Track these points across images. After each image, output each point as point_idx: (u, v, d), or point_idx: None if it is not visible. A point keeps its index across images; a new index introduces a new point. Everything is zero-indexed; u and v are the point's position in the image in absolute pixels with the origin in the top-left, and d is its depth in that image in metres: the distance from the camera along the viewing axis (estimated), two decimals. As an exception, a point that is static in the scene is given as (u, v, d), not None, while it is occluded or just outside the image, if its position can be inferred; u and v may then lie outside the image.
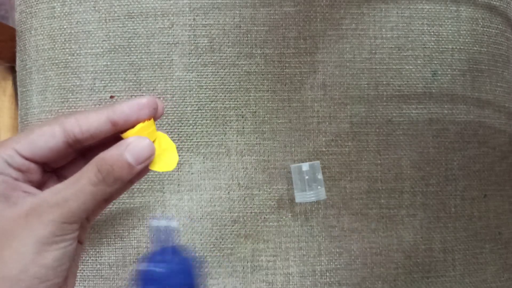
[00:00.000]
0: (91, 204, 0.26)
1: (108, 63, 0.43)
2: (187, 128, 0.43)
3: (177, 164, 0.29)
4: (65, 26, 0.43)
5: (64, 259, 0.26)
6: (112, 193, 0.26)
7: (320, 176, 0.41)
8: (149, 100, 0.27)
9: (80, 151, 0.29)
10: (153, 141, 0.28)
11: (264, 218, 0.43)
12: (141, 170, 0.27)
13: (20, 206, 0.25)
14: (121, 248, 0.42)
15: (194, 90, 0.43)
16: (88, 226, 0.30)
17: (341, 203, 0.43)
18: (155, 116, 0.28)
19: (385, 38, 0.44)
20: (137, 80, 0.43)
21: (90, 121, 0.27)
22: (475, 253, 0.44)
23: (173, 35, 0.43)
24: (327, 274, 0.43)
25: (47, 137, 0.26)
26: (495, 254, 0.45)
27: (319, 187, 0.40)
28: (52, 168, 0.29)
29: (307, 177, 0.40)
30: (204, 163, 0.43)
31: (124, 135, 0.27)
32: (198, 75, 0.43)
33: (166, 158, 0.29)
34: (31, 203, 0.25)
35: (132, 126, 0.27)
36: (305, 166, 0.40)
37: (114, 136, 0.28)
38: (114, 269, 0.42)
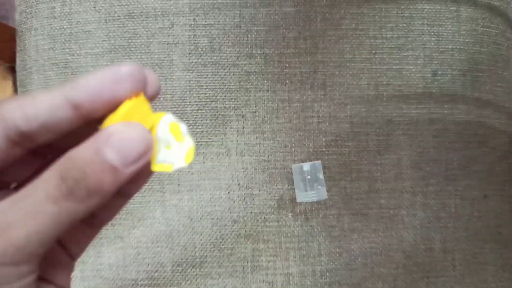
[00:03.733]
0: (52, 231, 0.16)
1: (108, 63, 0.43)
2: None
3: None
4: (65, 26, 0.43)
5: None
6: (86, 213, 0.17)
7: (321, 176, 0.41)
8: (131, 69, 0.18)
9: (46, 156, 0.20)
10: (150, 129, 0.19)
11: (264, 218, 0.43)
12: (135, 174, 0.17)
13: None
14: (121, 248, 0.42)
15: (194, 90, 0.43)
16: (72, 264, 0.21)
17: (341, 203, 0.43)
18: (145, 92, 0.19)
19: (385, 38, 0.44)
20: (137, 80, 0.42)
21: (38, 104, 0.17)
22: (475, 253, 0.44)
23: (173, 35, 0.43)
24: (327, 274, 0.43)
25: None
26: (495, 254, 0.45)
27: (320, 187, 0.40)
28: (7, 184, 0.20)
29: (308, 177, 0.40)
30: (204, 163, 0.43)
31: (103, 124, 0.18)
32: (198, 75, 0.43)
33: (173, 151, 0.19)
34: None
35: (113, 109, 0.18)
36: (306, 166, 0.40)
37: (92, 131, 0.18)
38: (114, 269, 0.42)
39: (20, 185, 0.20)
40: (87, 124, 0.18)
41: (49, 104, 0.17)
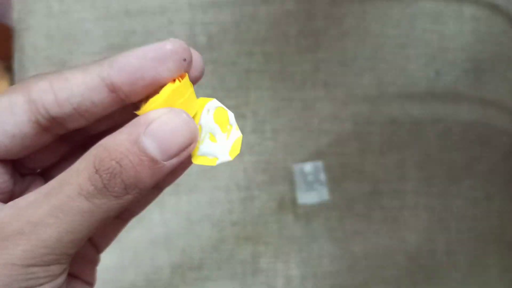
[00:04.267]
0: (84, 230, 0.15)
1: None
2: (186, 128, 0.43)
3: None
4: (62, 25, 0.43)
5: None
6: (121, 210, 0.16)
7: (323, 177, 0.41)
8: (176, 46, 0.15)
9: (75, 141, 0.19)
10: (193, 116, 0.17)
11: (265, 219, 0.43)
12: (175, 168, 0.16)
13: None
14: (119, 250, 0.42)
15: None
16: (97, 257, 0.20)
17: (343, 204, 0.43)
18: (189, 73, 0.17)
19: (387, 36, 0.44)
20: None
21: (71, 85, 0.15)
22: (478, 254, 0.44)
23: (172, 33, 0.43)
24: (329, 276, 0.43)
25: (3, 115, 0.15)
26: (498, 255, 0.45)
27: (321, 187, 0.41)
28: (33, 169, 0.19)
29: (310, 178, 0.40)
30: (203, 163, 0.43)
31: (142, 109, 0.16)
32: (197, 74, 0.43)
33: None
34: None
35: (153, 92, 0.16)
36: (308, 167, 0.41)
37: (129, 116, 0.16)
38: (112, 271, 0.42)
39: (46, 171, 0.19)
40: (123, 108, 0.17)
41: (84, 87, 0.15)
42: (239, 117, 0.43)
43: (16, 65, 0.45)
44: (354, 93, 0.43)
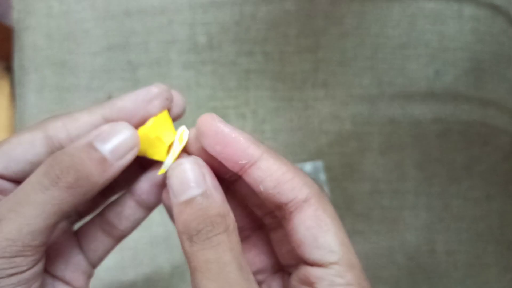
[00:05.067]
0: (42, 222, 0.17)
1: (106, 62, 0.43)
2: (186, 128, 0.43)
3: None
4: (62, 25, 0.43)
5: None
6: (74, 204, 0.18)
7: (322, 177, 0.41)
8: (161, 89, 0.20)
9: None
10: (169, 145, 0.21)
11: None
12: (151, 186, 0.20)
13: None
14: (119, 250, 0.42)
15: (192, 88, 0.43)
16: (91, 270, 0.22)
17: (343, 204, 0.43)
18: (172, 109, 0.21)
19: (387, 36, 0.44)
20: (135, 79, 0.42)
21: (80, 124, 0.19)
22: (477, 254, 0.44)
23: (172, 33, 0.43)
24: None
25: (25, 146, 0.19)
26: (498, 255, 0.45)
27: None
28: None
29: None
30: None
31: None
32: (197, 73, 0.43)
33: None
34: None
35: (140, 124, 0.20)
36: (307, 166, 0.41)
37: None
38: (112, 271, 0.42)
39: None
40: None
41: (90, 124, 0.19)
42: (239, 117, 0.43)
43: (16, 65, 0.45)
44: (354, 93, 0.43)
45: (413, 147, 0.44)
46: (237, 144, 0.18)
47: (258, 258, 0.22)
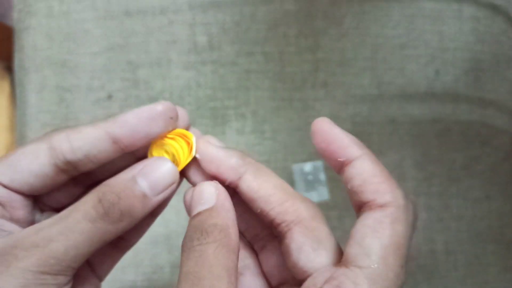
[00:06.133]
0: (86, 248, 0.19)
1: (106, 62, 0.43)
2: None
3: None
4: (63, 25, 0.43)
5: None
6: (116, 235, 0.19)
7: (322, 177, 0.41)
8: (165, 107, 0.20)
9: (87, 183, 0.23)
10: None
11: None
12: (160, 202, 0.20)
13: None
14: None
15: (193, 89, 0.43)
16: (98, 284, 0.24)
17: (343, 204, 0.43)
18: (177, 127, 0.22)
19: (387, 36, 0.44)
20: (135, 79, 0.42)
21: (83, 136, 0.20)
22: (477, 254, 0.44)
23: (172, 33, 0.43)
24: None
25: (30, 157, 0.20)
26: (498, 255, 0.45)
27: (321, 187, 0.40)
28: (51, 207, 0.22)
29: (310, 178, 0.40)
30: (203, 163, 0.42)
31: (149, 153, 0.21)
32: (197, 74, 0.43)
33: None
34: (0, 245, 0.18)
35: (145, 145, 0.21)
36: (307, 166, 0.40)
37: (128, 163, 0.21)
38: (113, 271, 0.42)
39: (61, 209, 0.21)
40: (124, 156, 0.21)
41: (92, 138, 0.20)
42: (239, 117, 0.43)
43: (16, 65, 0.45)
44: (354, 93, 0.43)
45: (413, 147, 0.44)
46: (340, 142, 0.20)
47: (276, 269, 0.22)
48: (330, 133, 0.20)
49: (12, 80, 0.53)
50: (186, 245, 0.18)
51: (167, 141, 0.21)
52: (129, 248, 0.25)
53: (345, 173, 0.20)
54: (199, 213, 0.19)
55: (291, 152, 0.43)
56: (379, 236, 0.18)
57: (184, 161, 0.21)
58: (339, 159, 0.20)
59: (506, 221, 0.45)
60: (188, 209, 0.20)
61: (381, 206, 0.18)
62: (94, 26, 0.43)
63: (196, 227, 0.19)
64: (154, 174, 0.20)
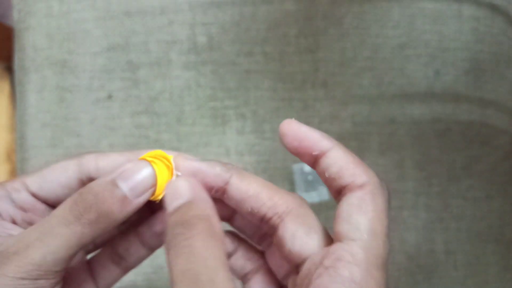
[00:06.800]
0: (64, 252, 0.19)
1: (106, 62, 0.43)
2: (185, 128, 0.43)
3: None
4: (63, 25, 0.43)
5: None
6: (94, 237, 0.20)
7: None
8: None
9: None
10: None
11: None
12: (140, 208, 0.21)
13: None
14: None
15: (193, 89, 0.43)
16: None
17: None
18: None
19: (387, 36, 0.44)
20: (135, 79, 0.42)
21: (109, 160, 0.22)
22: (477, 254, 0.44)
23: (172, 33, 0.43)
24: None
25: (59, 170, 0.22)
26: (498, 255, 0.45)
27: (321, 187, 0.40)
28: None
29: (310, 178, 0.40)
30: (203, 163, 0.42)
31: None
32: (197, 74, 0.43)
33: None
34: None
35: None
36: (307, 166, 0.40)
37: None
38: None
39: None
40: None
41: (116, 162, 0.22)
42: (239, 117, 0.43)
43: (16, 65, 0.45)
44: (354, 93, 0.43)
45: (413, 147, 0.44)
46: (311, 138, 0.21)
47: (281, 262, 0.23)
48: (299, 131, 0.21)
49: (12, 80, 0.53)
50: (171, 243, 0.18)
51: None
52: (131, 269, 0.25)
53: (321, 164, 0.21)
54: (177, 208, 0.19)
55: (291, 152, 0.43)
56: (364, 212, 0.20)
57: (164, 182, 0.22)
58: (313, 153, 0.21)
59: (506, 221, 0.45)
60: (166, 205, 0.20)
61: (360, 186, 0.20)
62: (94, 26, 0.43)
63: (177, 222, 0.19)
64: (134, 176, 0.20)
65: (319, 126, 0.43)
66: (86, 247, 0.24)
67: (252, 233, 0.24)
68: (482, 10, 0.45)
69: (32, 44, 0.44)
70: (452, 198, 0.44)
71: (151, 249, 0.25)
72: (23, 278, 0.18)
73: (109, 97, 0.43)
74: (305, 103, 0.43)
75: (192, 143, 0.42)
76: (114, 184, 0.20)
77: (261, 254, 0.24)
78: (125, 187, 0.20)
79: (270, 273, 0.23)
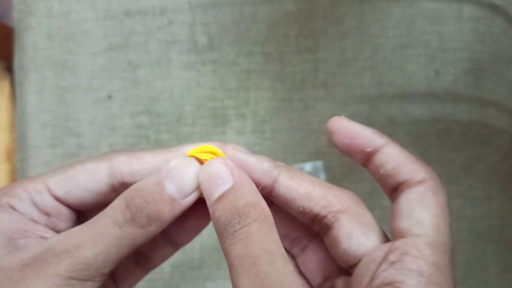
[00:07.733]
0: (115, 254, 0.19)
1: (106, 62, 0.43)
2: (185, 128, 0.43)
3: None
4: (63, 25, 0.43)
5: None
6: (145, 240, 0.19)
7: (323, 176, 0.41)
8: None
9: None
10: None
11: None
12: (189, 206, 0.20)
13: (21, 254, 0.18)
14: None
15: (193, 89, 0.43)
16: None
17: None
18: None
19: (387, 36, 0.44)
20: (135, 79, 0.42)
21: (143, 161, 0.21)
22: (477, 254, 0.44)
23: (172, 33, 0.43)
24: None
25: (88, 174, 0.21)
26: (498, 255, 0.45)
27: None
28: None
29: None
30: (203, 163, 0.42)
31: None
32: (197, 74, 0.43)
33: None
34: (35, 250, 0.18)
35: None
36: (307, 166, 0.40)
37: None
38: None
39: None
40: None
41: (153, 164, 0.21)
42: (239, 117, 0.43)
43: (16, 65, 0.45)
44: (354, 93, 0.43)
45: (413, 147, 0.43)
46: (364, 135, 0.21)
47: (320, 265, 0.22)
48: (351, 128, 0.21)
49: (12, 80, 0.53)
50: (228, 232, 0.18)
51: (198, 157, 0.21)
52: (153, 269, 0.24)
53: (375, 161, 0.21)
54: (222, 196, 0.19)
55: (291, 152, 0.43)
56: (426, 207, 0.19)
57: None
58: (367, 150, 0.21)
59: (506, 221, 0.45)
60: (207, 194, 0.19)
61: (420, 181, 0.20)
62: (94, 26, 0.43)
63: (231, 212, 0.18)
64: (181, 176, 0.19)
65: (319, 126, 0.43)
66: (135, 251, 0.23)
67: (282, 238, 0.23)
68: (482, 10, 0.45)
69: (32, 44, 0.44)
70: (452, 198, 0.44)
71: (177, 246, 0.24)
72: (72, 278, 0.18)
73: (109, 97, 0.42)
74: (305, 103, 0.43)
75: (192, 143, 0.43)
76: (161, 185, 0.19)
77: (290, 258, 0.23)
78: (173, 188, 0.19)
79: (300, 278, 0.22)
